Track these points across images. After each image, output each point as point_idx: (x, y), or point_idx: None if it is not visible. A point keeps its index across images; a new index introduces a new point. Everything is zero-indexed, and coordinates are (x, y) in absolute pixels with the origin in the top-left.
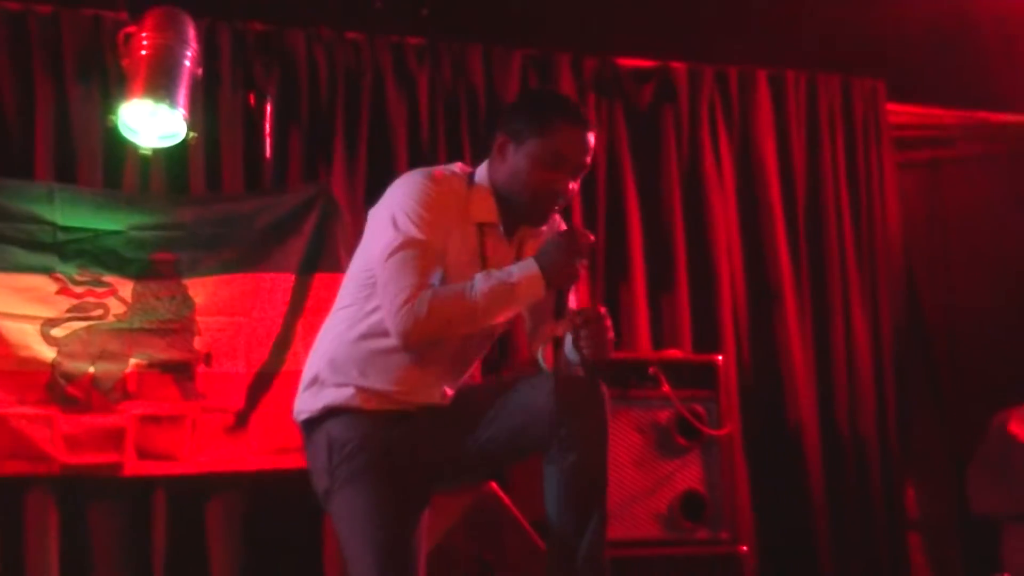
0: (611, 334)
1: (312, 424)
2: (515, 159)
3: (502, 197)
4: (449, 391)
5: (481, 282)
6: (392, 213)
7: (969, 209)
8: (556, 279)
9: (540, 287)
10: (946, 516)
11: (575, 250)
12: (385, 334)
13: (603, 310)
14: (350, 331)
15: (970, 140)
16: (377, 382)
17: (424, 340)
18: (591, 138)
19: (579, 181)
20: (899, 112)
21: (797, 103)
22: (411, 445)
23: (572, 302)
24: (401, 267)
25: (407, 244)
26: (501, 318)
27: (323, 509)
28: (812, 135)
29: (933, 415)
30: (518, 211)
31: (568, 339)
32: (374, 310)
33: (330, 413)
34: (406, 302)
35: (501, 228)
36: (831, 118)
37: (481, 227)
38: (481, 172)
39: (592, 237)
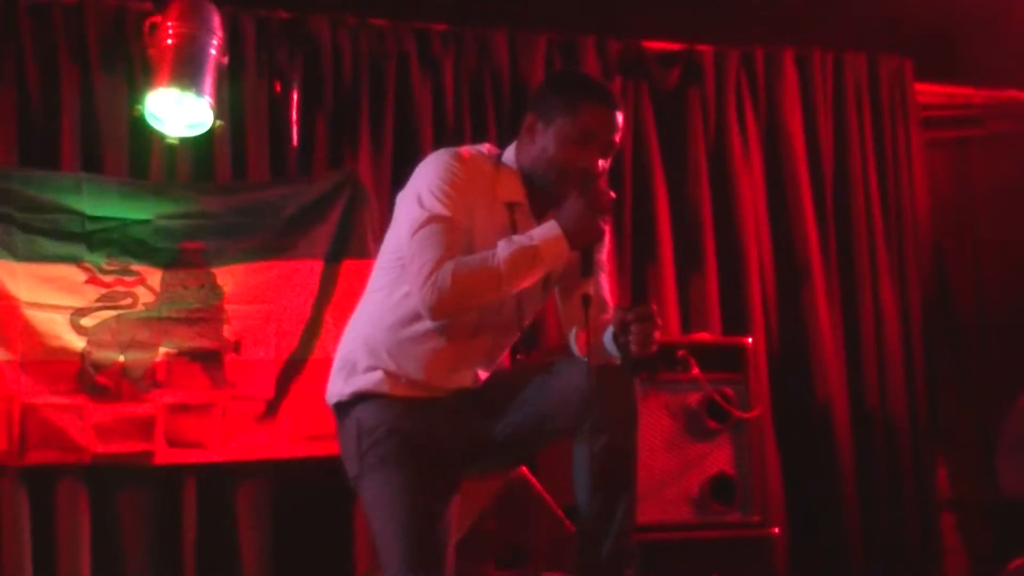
0: (659, 333)
1: (343, 409)
2: (544, 138)
3: (530, 178)
4: (482, 375)
5: (503, 248)
6: (418, 192)
7: (997, 187)
8: (579, 238)
9: (563, 247)
10: (978, 496)
11: (596, 207)
12: (417, 319)
13: (655, 308)
14: (383, 317)
15: (998, 118)
16: (408, 368)
17: (451, 310)
18: (619, 117)
19: (609, 161)
20: (927, 91)
21: (824, 83)
22: (440, 430)
23: (603, 258)
24: (426, 242)
25: (432, 220)
26: (527, 282)
27: (354, 494)
28: (839, 115)
29: (961, 394)
30: (547, 192)
31: (608, 333)
32: (407, 295)
33: (360, 398)
34: (430, 275)
35: (529, 208)
36: (858, 97)
37: (510, 206)
38: (509, 153)
39: (613, 194)
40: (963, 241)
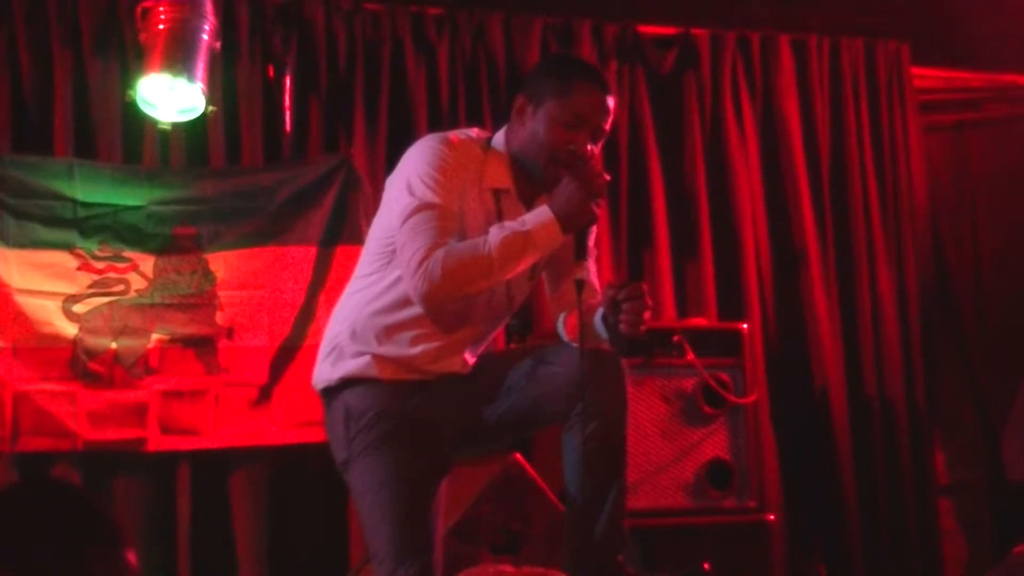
0: (649, 313)
1: (330, 393)
2: (534, 121)
3: (519, 163)
4: (470, 359)
5: (495, 235)
6: (408, 178)
7: (996, 171)
8: (572, 222)
9: (556, 232)
10: (977, 480)
11: (589, 191)
12: (406, 304)
13: (645, 287)
14: (372, 302)
15: (997, 102)
16: (396, 350)
17: (443, 298)
18: (610, 101)
19: (599, 146)
20: (924, 75)
21: (820, 68)
22: (429, 415)
23: (592, 244)
24: (416, 230)
25: (422, 207)
26: (520, 268)
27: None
28: (836, 99)
29: (962, 378)
30: (537, 177)
31: (599, 314)
32: (396, 281)
33: (348, 383)
34: (421, 262)
35: (516, 194)
36: (855, 82)
37: (497, 192)
38: (498, 138)
39: (607, 176)
40: (961, 225)
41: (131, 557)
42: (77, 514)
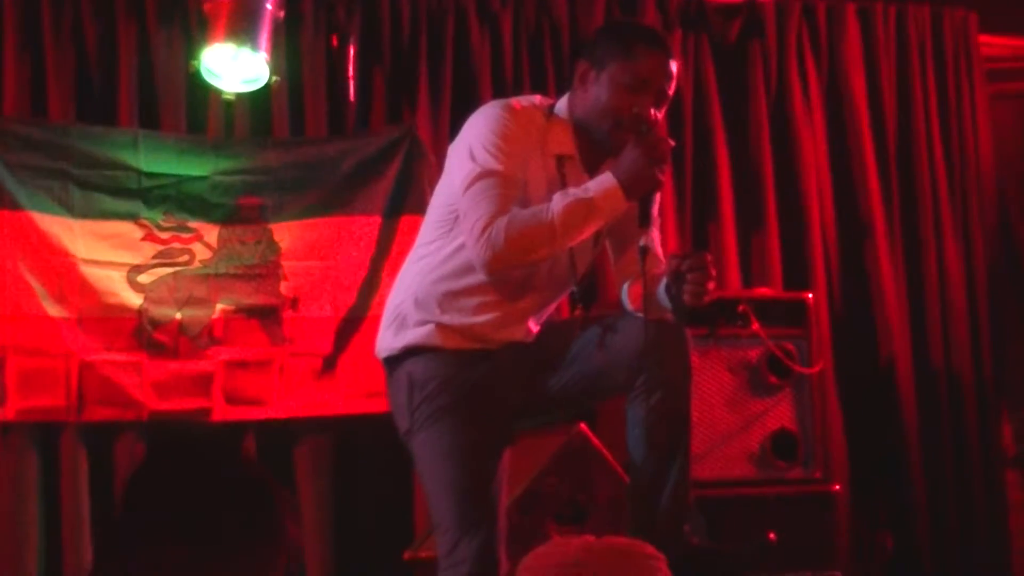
0: (712, 283)
1: (393, 362)
2: (597, 86)
3: (583, 129)
4: (534, 327)
5: (558, 202)
6: (470, 145)
7: None
8: (635, 189)
9: (619, 199)
10: None
11: (653, 157)
12: (469, 272)
13: (709, 258)
14: (434, 270)
15: None
16: (459, 318)
17: (506, 265)
18: (673, 65)
19: (663, 111)
20: (992, 43)
21: (886, 36)
22: (492, 385)
23: (655, 212)
24: (479, 198)
25: (485, 175)
26: (583, 235)
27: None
28: (902, 68)
29: None
30: (600, 143)
31: (662, 284)
32: (459, 248)
33: (411, 352)
34: (484, 230)
35: (580, 160)
36: (921, 51)
37: (560, 159)
38: (561, 104)
39: (672, 142)
40: None
41: (291, 527)
42: (245, 483)
